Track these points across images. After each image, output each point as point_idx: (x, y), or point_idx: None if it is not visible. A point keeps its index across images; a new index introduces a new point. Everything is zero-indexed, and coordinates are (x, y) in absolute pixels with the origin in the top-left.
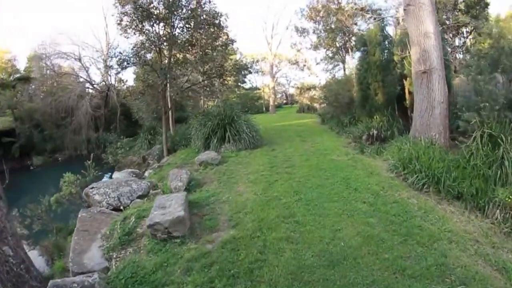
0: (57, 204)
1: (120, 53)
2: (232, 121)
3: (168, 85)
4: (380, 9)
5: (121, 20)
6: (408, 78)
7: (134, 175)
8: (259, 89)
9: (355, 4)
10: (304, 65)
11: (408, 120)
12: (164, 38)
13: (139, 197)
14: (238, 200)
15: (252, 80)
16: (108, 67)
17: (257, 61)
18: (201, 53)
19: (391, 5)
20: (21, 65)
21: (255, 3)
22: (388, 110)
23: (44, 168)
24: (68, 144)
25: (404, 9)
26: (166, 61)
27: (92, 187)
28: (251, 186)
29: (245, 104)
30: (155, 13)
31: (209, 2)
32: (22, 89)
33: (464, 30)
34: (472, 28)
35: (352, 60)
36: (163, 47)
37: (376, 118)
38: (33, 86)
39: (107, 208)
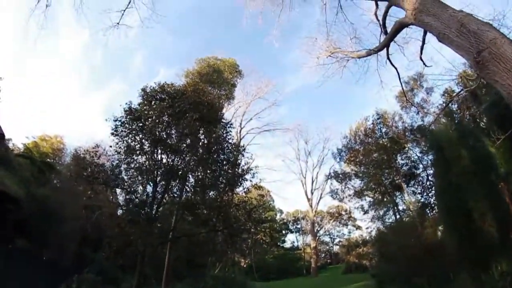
0: None
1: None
2: None
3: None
4: (424, 126)
5: (117, 131)
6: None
7: None
8: (299, 249)
9: (395, 129)
10: (349, 217)
11: None
12: (165, 170)
13: None
14: None
15: (293, 239)
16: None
17: (297, 219)
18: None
19: (428, 121)
20: (68, 158)
21: (293, 161)
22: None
23: (22, 252)
24: (58, 248)
25: (476, 61)
26: (159, 197)
27: None
28: None
29: (282, 266)
30: (168, 142)
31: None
32: (46, 172)
33: None
34: None
35: (403, 199)
36: (159, 178)
37: (499, 268)
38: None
39: None
